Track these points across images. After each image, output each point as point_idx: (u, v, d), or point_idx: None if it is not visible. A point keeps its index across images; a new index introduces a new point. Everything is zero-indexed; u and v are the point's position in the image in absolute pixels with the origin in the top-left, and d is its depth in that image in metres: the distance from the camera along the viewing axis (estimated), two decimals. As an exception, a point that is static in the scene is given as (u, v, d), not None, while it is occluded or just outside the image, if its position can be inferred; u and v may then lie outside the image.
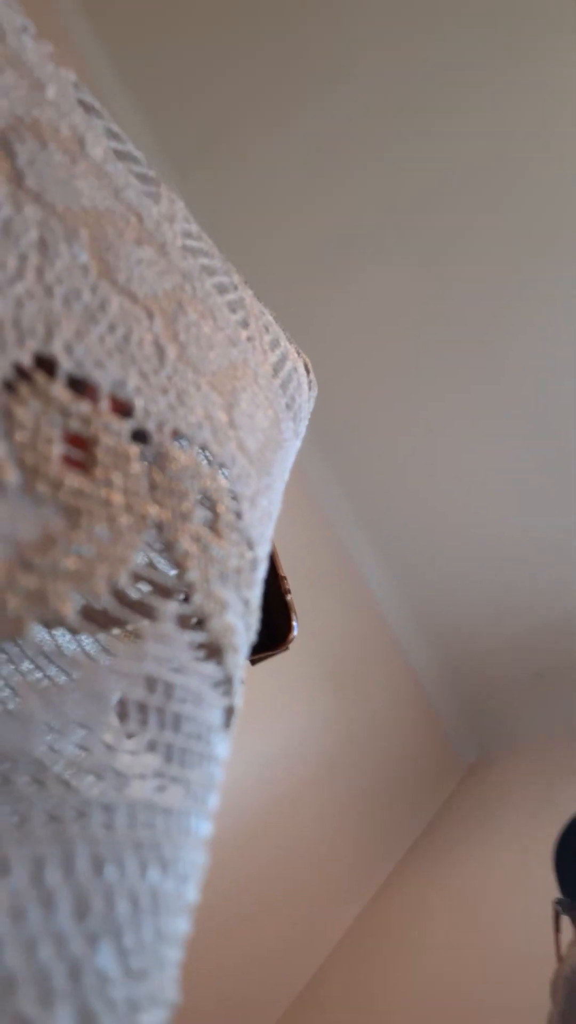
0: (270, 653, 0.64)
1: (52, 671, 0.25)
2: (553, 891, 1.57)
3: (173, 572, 0.23)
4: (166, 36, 1.90)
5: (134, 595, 0.20)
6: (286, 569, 0.71)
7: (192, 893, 0.18)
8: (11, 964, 0.13)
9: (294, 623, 0.67)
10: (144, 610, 0.20)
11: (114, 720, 0.19)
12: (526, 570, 2.30)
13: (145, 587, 0.22)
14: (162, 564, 0.24)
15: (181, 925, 0.17)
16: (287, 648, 0.66)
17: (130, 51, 1.95)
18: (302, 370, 0.47)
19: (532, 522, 2.25)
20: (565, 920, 0.99)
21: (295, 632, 0.68)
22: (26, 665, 0.34)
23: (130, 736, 0.18)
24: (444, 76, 1.81)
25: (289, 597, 0.67)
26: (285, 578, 0.68)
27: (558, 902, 1.02)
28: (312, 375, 0.50)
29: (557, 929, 1.00)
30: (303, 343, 0.53)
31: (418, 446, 2.31)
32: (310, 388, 0.49)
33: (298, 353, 0.48)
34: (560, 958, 0.87)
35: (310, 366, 0.50)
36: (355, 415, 2.26)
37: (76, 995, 0.13)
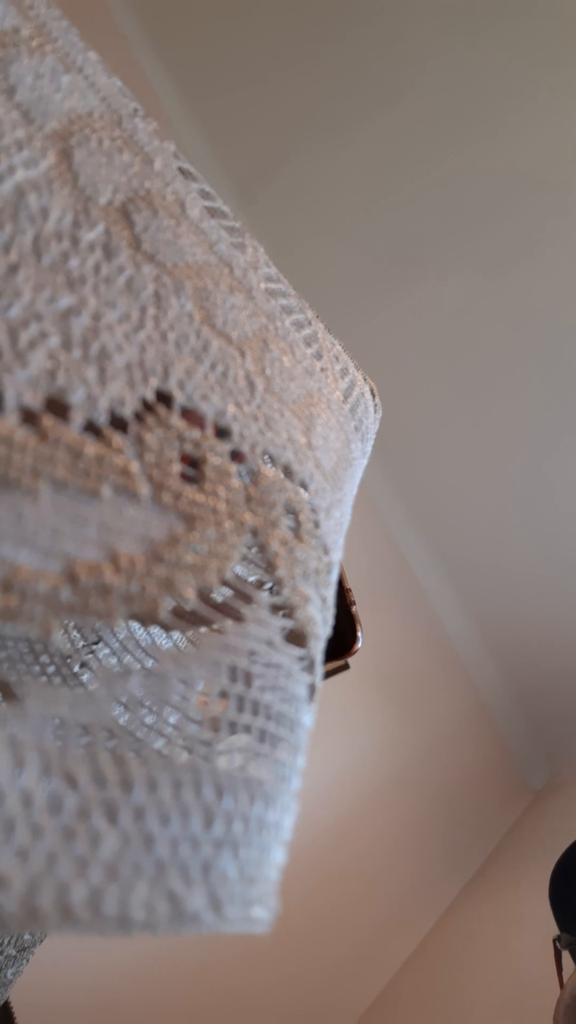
0: (337, 662, 0.68)
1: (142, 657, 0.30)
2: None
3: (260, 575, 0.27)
4: (226, 57, 1.97)
5: (240, 586, 0.24)
6: (350, 583, 0.74)
7: (287, 830, 0.22)
8: (161, 854, 0.17)
9: (359, 633, 0.70)
10: (245, 598, 0.24)
11: (213, 692, 0.23)
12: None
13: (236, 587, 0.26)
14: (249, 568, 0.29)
15: (279, 854, 0.21)
16: (352, 656, 0.69)
17: (193, 77, 2.04)
18: (368, 395, 0.51)
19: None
20: (567, 957, 0.98)
21: (360, 643, 0.72)
22: (129, 658, 0.38)
23: (227, 699, 0.23)
24: (505, 87, 1.82)
25: (354, 608, 0.70)
26: (350, 590, 0.71)
27: (557, 939, 1.00)
28: (377, 399, 0.54)
29: (559, 966, 0.99)
30: (364, 358, 0.57)
31: (484, 461, 2.31)
32: (375, 411, 0.53)
33: (365, 379, 0.52)
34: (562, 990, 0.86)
35: (376, 391, 0.54)
36: (418, 432, 2.28)
37: (207, 885, 0.17)
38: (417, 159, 1.96)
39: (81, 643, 0.44)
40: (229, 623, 0.23)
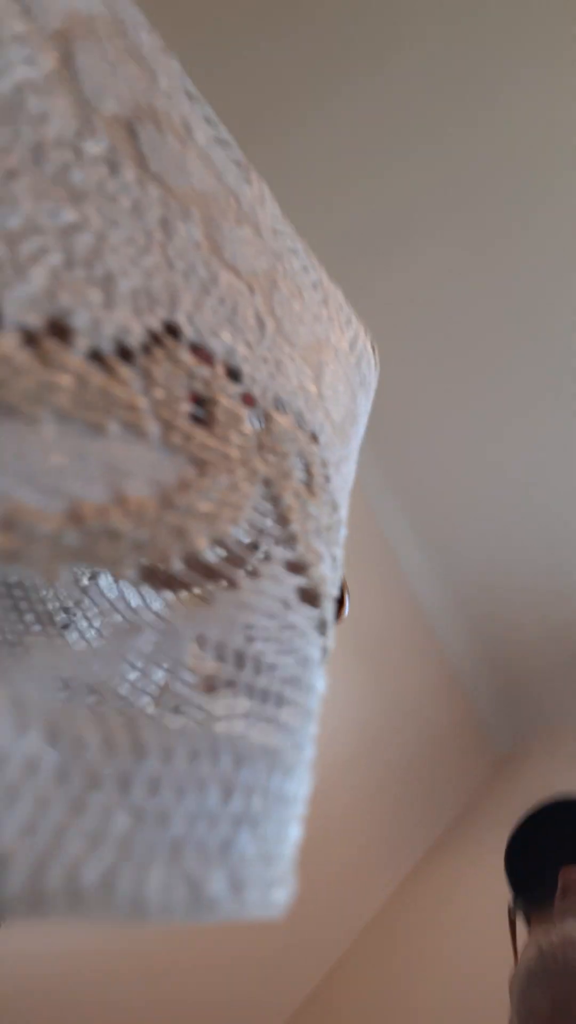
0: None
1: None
2: None
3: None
4: (209, 15, 1.88)
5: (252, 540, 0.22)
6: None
7: (303, 804, 0.20)
8: (178, 832, 0.15)
9: (347, 600, 0.69)
10: (259, 553, 0.22)
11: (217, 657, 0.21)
12: (568, 556, 2.29)
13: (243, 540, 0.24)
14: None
15: (296, 830, 0.20)
16: (339, 623, 0.68)
17: (173, 32, 1.94)
18: (370, 348, 0.49)
19: None
20: (521, 926, 1.00)
21: (347, 610, 0.70)
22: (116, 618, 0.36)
23: (252, 660, 0.21)
24: (502, 55, 1.77)
25: (343, 577, 0.69)
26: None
27: (511, 903, 1.02)
28: (377, 355, 0.52)
29: (513, 933, 1.01)
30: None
31: (460, 425, 2.30)
32: (375, 366, 0.51)
33: (365, 332, 0.50)
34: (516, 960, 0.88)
35: (375, 346, 0.52)
36: (399, 399, 2.26)
37: (227, 865, 0.16)
38: (411, 124, 1.90)
39: (67, 602, 0.42)
40: (244, 578, 0.21)
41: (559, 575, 2.33)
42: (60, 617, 0.39)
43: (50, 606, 0.38)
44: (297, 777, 0.20)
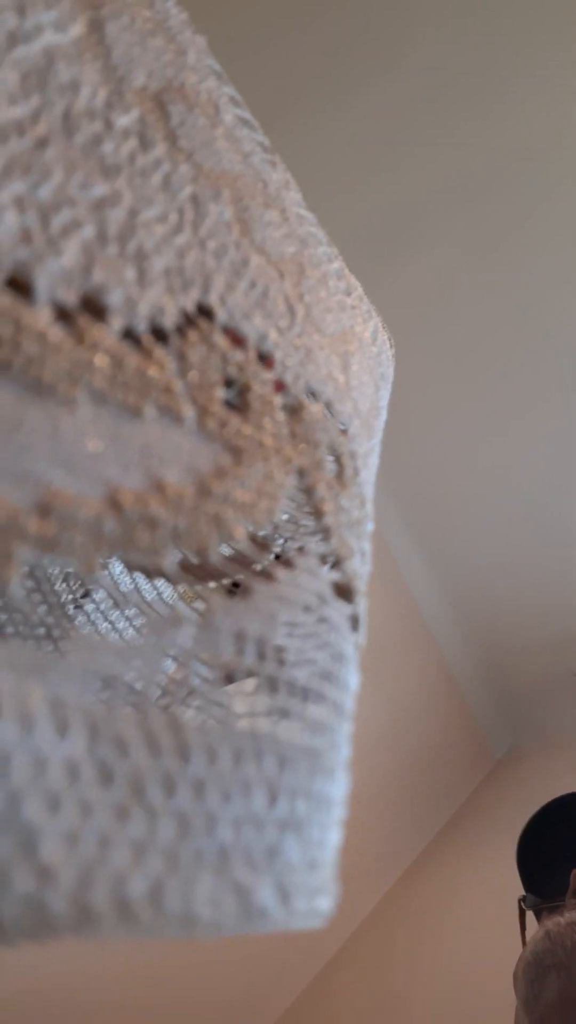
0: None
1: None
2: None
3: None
4: (219, 11, 1.87)
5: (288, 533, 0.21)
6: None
7: (343, 807, 0.19)
8: (224, 838, 0.14)
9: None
10: (296, 545, 0.21)
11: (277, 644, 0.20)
12: (570, 564, 2.28)
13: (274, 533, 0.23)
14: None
15: (337, 835, 0.19)
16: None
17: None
18: (387, 343, 0.48)
19: (578, 517, 2.22)
20: (530, 918, 0.99)
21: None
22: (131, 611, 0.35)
23: (285, 661, 0.20)
24: (508, 59, 1.77)
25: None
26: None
27: (522, 899, 1.02)
28: (393, 349, 0.51)
29: (523, 926, 1.00)
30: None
31: (462, 431, 2.29)
32: (392, 361, 0.50)
33: (383, 327, 0.49)
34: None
35: (392, 340, 0.51)
36: (399, 400, 2.24)
37: (274, 872, 0.15)
38: (415, 127, 1.89)
39: (70, 596, 0.41)
40: (281, 572, 0.20)
41: (560, 583, 2.33)
42: (70, 610, 0.38)
43: (63, 598, 0.37)
44: (337, 779, 0.19)
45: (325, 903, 0.16)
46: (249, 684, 0.20)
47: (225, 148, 0.28)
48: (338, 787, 0.19)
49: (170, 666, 0.23)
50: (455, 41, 1.78)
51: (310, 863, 0.16)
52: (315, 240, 0.34)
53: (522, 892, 1.09)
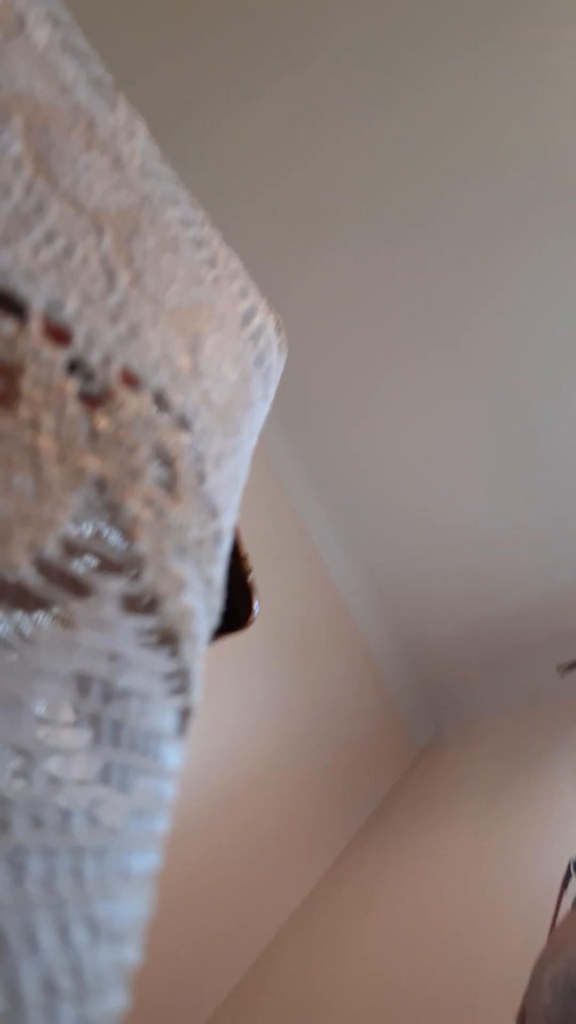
0: (225, 637, 0.60)
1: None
2: (499, 873, 1.58)
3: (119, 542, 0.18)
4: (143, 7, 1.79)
5: (74, 568, 0.16)
6: (246, 547, 0.66)
7: (132, 955, 0.14)
8: None
9: (255, 604, 0.63)
10: (78, 588, 0.15)
11: (39, 727, 0.15)
12: (487, 558, 2.31)
13: (85, 560, 0.18)
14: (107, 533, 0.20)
15: (118, 1000, 0.13)
16: (246, 629, 0.62)
17: (99, 15, 1.83)
18: (272, 327, 0.42)
19: (494, 509, 2.25)
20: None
21: (256, 614, 0.64)
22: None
23: (57, 749, 0.14)
24: (417, 50, 1.76)
25: (251, 577, 0.63)
26: (247, 556, 0.63)
27: (574, 863, 1.00)
28: (283, 335, 0.46)
29: (564, 886, 0.98)
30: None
31: (382, 423, 2.28)
32: (281, 349, 0.45)
33: (268, 310, 0.44)
34: (553, 926, 0.85)
35: (281, 325, 0.46)
36: (317, 388, 2.21)
37: None
38: (328, 117, 1.86)
39: None
40: (49, 631, 0.14)
41: (477, 576, 2.36)
42: None
43: None
44: (112, 934, 0.13)
45: None
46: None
47: (26, 68, 0.22)
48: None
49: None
50: (369, 33, 1.76)
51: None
52: (166, 200, 0.29)
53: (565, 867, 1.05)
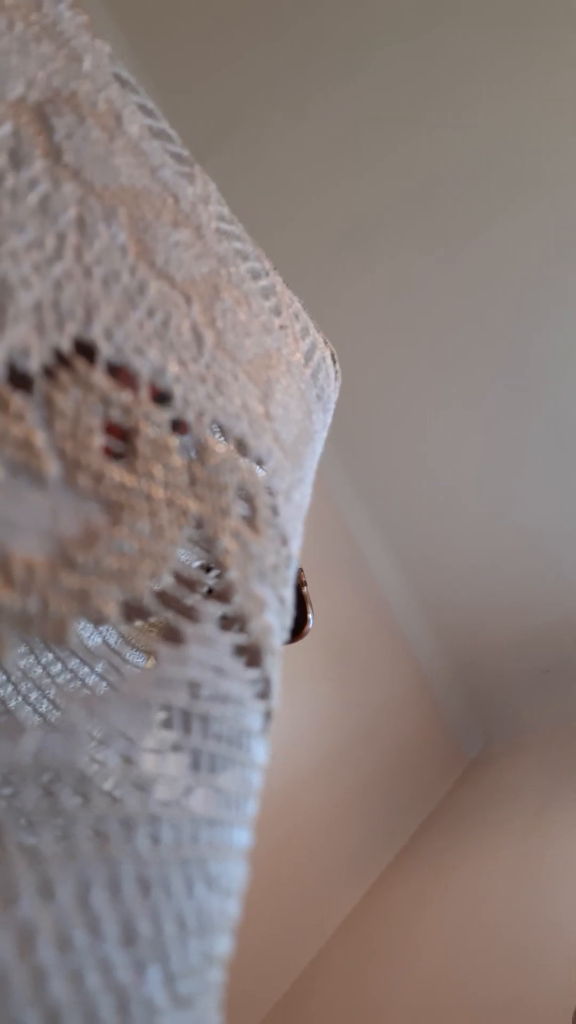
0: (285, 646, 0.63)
1: (88, 676, 0.24)
2: (550, 887, 1.57)
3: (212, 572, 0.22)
4: (185, 18, 1.86)
5: (183, 595, 0.19)
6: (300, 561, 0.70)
7: (235, 908, 0.17)
8: (57, 995, 0.12)
9: (310, 615, 0.66)
10: (186, 611, 0.19)
11: (157, 729, 0.18)
12: (537, 565, 2.29)
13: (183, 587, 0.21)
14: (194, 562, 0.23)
15: (225, 944, 0.16)
16: (302, 639, 0.65)
17: (148, 33, 1.91)
18: (329, 360, 0.46)
19: (545, 517, 2.23)
20: None
21: (311, 624, 0.67)
22: (57, 668, 0.33)
23: (174, 746, 0.18)
24: (467, 65, 1.77)
25: (305, 589, 0.66)
26: (302, 570, 0.67)
27: None
28: (337, 364, 0.49)
29: None
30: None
31: (430, 435, 2.29)
32: (336, 378, 0.48)
33: (325, 342, 0.47)
34: None
35: (336, 356, 0.49)
36: (366, 405, 2.24)
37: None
38: (377, 132, 1.89)
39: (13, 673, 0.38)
40: (163, 648, 0.18)
41: (527, 584, 2.33)
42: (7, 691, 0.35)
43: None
44: (221, 888, 0.16)
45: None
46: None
47: (126, 163, 0.26)
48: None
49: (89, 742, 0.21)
50: (416, 46, 1.78)
51: (179, 999, 0.14)
52: (238, 256, 0.32)
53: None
